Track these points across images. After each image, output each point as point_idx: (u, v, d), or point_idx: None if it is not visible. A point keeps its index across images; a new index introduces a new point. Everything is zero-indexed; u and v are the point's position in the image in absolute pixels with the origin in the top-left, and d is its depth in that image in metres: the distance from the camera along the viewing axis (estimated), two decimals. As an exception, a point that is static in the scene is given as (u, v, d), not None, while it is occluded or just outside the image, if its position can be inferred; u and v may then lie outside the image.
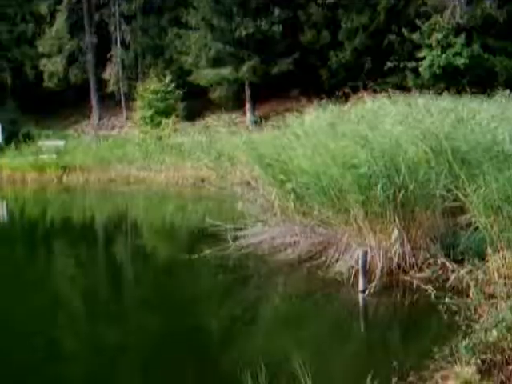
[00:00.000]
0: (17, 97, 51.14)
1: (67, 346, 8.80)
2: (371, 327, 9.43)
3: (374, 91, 17.90)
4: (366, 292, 9.88)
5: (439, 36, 32.97)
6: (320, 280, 10.79)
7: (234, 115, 42.72)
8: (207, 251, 12.42)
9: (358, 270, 10.18)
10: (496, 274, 9.14)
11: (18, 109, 49.20)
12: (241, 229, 13.38)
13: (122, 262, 14.95)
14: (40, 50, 49.36)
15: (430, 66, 33.06)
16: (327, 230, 11.77)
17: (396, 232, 10.52)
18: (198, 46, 41.56)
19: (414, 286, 9.89)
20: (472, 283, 8.43)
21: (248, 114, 42.20)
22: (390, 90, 16.23)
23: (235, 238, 13.02)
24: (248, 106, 42.42)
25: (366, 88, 23.72)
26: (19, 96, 51.20)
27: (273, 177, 12.89)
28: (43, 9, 49.43)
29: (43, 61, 49.23)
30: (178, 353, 8.25)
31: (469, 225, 10.82)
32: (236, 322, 9.62)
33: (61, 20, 48.96)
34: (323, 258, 11.42)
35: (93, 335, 9.11)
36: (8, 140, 39.59)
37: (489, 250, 9.59)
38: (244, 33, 39.40)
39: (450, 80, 31.64)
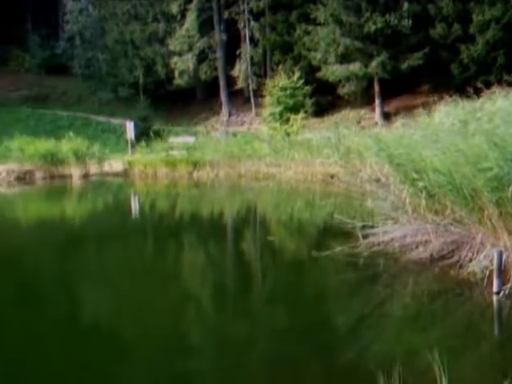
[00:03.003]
0: (148, 94, 52.45)
1: (195, 340, 8.94)
2: (506, 330, 9.18)
3: (510, 85, 17.41)
4: (501, 293, 9.64)
5: None
6: (452, 280, 10.61)
7: (362, 111, 42.51)
8: (336, 248, 12.42)
9: (492, 271, 9.94)
10: None
11: (150, 106, 50.44)
12: (371, 226, 13.29)
13: (251, 257, 15.08)
14: (171, 48, 50.45)
15: None
16: (460, 228, 11.54)
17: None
18: (326, 42, 41.46)
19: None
20: None
21: (377, 110, 41.84)
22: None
23: (365, 236, 12.96)
24: (377, 101, 42.05)
25: (500, 82, 23.09)
26: (151, 93, 52.51)
27: (404, 175, 12.75)
28: (174, 8, 50.45)
29: (174, 59, 50.30)
30: (305, 348, 8.26)
31: None
32: (365, 319, 9.56)
33: (191, 19, 49.86)
34: (455, 258, 11.21)
35: (221, 330, 9.23)
36: (140, 137, 40.55)
37: None
38: (373, 28, 39.07)
39: None
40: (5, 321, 9.83)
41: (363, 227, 13.25)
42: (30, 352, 8.34)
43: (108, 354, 8.17)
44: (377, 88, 42.08)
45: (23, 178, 35.48)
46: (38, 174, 35.82)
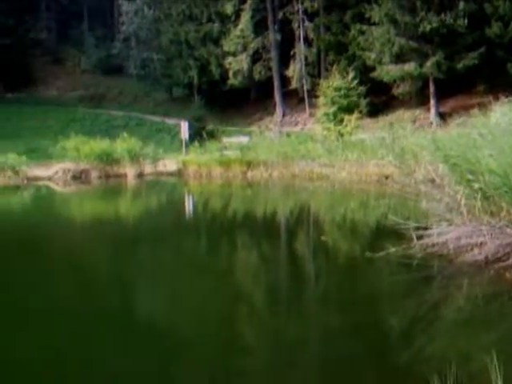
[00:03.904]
0: (203, 94, 52.80)
1: (247, 339, 8.97)
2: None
3: None
4: (557, 297, 9.51)
5: None
6: (507, 282, 10.48)
7: (417, 111, 42.23)
8: (390, 249, 12.37)
9: (548, 274, 9.82)
10: None
11: (204, 106, 50.78)
12: (425, 227, 13.18)
13: (304, 257, 15.07)
14: (225, 48, 50.76)
15: None
16: (516, 230, 11.41)
17: None
18: (381, 42, 41.31)
19: None
20: None
21: (432, 110, 41.54)
22: None
23: (419, 237, 12.86)
24: (432, 102, 41.75)
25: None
26: (205, 94, 52.83)
27: (459, 176, 12.63)
28: (228, 8, 50.72)
29: (228, 59, 50.59)
30: (358, 350, 8.24)
31: None
32: (419, 321, 9.49)
33: (245, 19, 50.09)
34: (511, 260, 11.09)
35: (274, 329, 9.25)
36: (194, 137, 40.83)
37: None
38: (428, 27, 38.81)
39: None
40: (63, 317, 9.99)
41: (417, 228, 13.13)
42: (85, 348, 8.46)
43: (162, 352, 8.24)
44: (432, 88, 41.78)
45: (79, 177, 36.03)
46: (94, 174, 36.33)
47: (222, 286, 11.87)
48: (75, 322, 9.66)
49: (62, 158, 37.55)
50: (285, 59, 50.41)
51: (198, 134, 41.23)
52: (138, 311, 10.48)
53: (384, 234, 15.53)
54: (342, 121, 35.46)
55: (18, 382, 7.41)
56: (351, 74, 38.17)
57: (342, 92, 37.00)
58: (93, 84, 63.59)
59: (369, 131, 35.16)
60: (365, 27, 43.05)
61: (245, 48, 50.56)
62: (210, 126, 45.89)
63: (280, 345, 8.52)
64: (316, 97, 40.01)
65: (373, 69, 42.57)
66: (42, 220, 23.22)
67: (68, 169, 36.78)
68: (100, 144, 37.35)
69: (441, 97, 42.09)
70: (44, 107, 58.22)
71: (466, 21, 38.58)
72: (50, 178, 36.78)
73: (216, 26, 52.89)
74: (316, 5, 48.17)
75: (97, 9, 70.92)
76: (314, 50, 49.67)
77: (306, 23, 48.99)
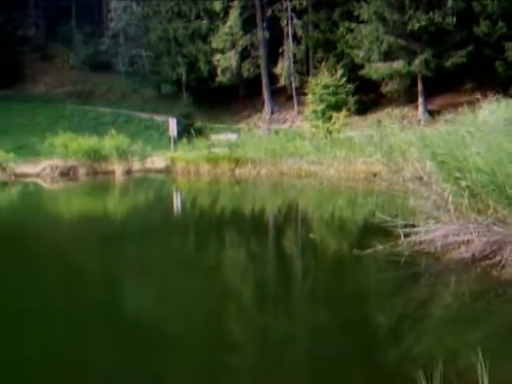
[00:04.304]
0: (191, 91, 52.77)
1: (235, 336, 8.97)
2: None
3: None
4: (544, 294, 9.55)
5: None
6: (494, 280, 10.51)
7: (406, 109, 42.31)
8: (378, 247, 12.39)
9: (535, 271, 9.86)
10: None
11: (193, 103, 50.77)
12: (412, 225, 13.20)
13: (292, 255, 15.09)
14: (214, 45, 50.78)
15: None
16: (503, 228, 11.43)
17: None
18: (369, 40, 41.38)
19: None
20: None
21: (420, 108, 41.64)
22: None
23: (407, 235, 12.89)
24: (420, 99, 41.86)
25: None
26: (193, 91, 52.81)
27: (447, 173, 12.66)
28: (217, 5, 50.71)
29: (217, 56, 50.58)
30: (345, 347, 8.25)
31: None
32: (406, 319, 9.51)
33: (234, 16, 50.10)
34: (498, 258, 11.10)
35: (261, 326, 9.26)
36: (182, 133, 40.81)
37: None
38: (417, 25, 38.90)
39: None
40: (51, 315, 9.97)
41: (405, 226, 13.15)
42: (74, 346, 8.44)
43: (150, 349, 8.23)
44: (420, 86, 41.88)
45: (67, 174, 35.94)
46: (82, 170, 36.26)
47: (209, 282, 11.87)
48: (63, 320, 9.64)
49: (50, 155, 37.45)
50: (273, 57, 50.40)
51: (187, 131, 41.19)
52: (125, 308, 10.47)
53: (372, 231, 15.56)
54: (330, 118, 35.49)
55: (14, 381, 7.39)
56: (340, 72, 38.19)
57: (331, 90, 37.02)
58: (81, 80, 63.42)
59: (357, 129, 35.23)
60: (353, 25, 43.08)
61: (233, 45, 50.54)
62: (198, 123, 45.86)
63: (268, 342, 8.52)
64: (304, 94, 40.04)
65: (361, 67, 42.62)
66: (30, 216, 23.15)
67: (56, 165, 36.68)
68: (88, 141, 37.26)
69: (429, 95, 42.18)
70: (32, 104, 58.03)
71: (454, 19, 38.64)
72: (37, 175, 36.67)
73: (204, 23, 52.85)
74: (304, 2, 48.17)
75: (85, 5, 70.71)
76: (303, 47, 49.69)
77: (295, 21, 48.99)
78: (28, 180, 36.10)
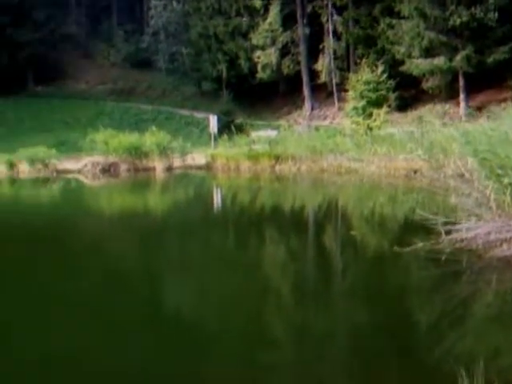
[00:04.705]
0: (231, 88, 52.84)
1: (276, 332, 8.98)
2: None
3: None
4: None
5: None
6: (538, 278, 10.44)
7: (447, 106, 41.97)
8: (419, 244, 12.32)
9: None
10: None
11: (233, 100, 50.83)
12: (454, 222, 13.10)
13: (332, 251, 15.06)
14: (254, 42, 50.75)
15: None
16: (546, 226, 11.32)
17: None
18: (410, 36, 41.09)
19: None
20: None
21: (462, 104, 41.27)
22: None
23: (448, 232, 12.79)
24: (462, 96, 41.47)
25: None
26: (234, 87, 52.87)
27: (489, 170, 12.54)
28: (257, 2, 50.68)
29: (257, 53, 50.56)
30: (385, 345, 8.22)
31: None
32: (447, 316, 9.44)
33: (274, 13, 50.05)
34: (541, 255, 11.02)
35: (300, 323, 9.25)
36: (222, 130, 40.89)
37: None
38: (458, 21, 38.54)
39: None
40: (91, 308, 10.07)
41: (446, 223, 13.05)
42: (113, 339, 8.53)
43: (190, 345, 8.28)
44: (461, 82, 41.50)
45: (108, 170, 36.25)
46: (123, 167, 36.53)
47: (249, 279, 11.90)
48: (105, 315, 9.74)
49: (91, 151, 37.77)
50: (313, 53, 50.30)
51: (227, 128, 41.29)
52: (165, 304, 10.53)
53: (412, 228, 15.46)
54: (370, 115, 35.30)
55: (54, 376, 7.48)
56: (380, 68, 37.95)
57: (371, 86, 36.80)
58: (122, 78, 63.86)
59: (398, 125, 35.00)
60: (394, 21, 42.85)
61: (273, 42, 50.52)
62: (238, 120, 45.93)
63: (308, 339, 8.52)
64: (345, 91, 39.88)
65: (402, 63, 42.38)
66: (72, 213, 23.40)
67: (97, 162, 37.01)
68: (129, 137, 37.52)
69: (470, 91, 41.81)
70: (73, 101, 58.58)
71: (496, 14, 38.25)
72: (79, 171, 37.04)
73: (245, 19, 52.90)
74: (345, -2, 48.04)
75: (126, 3, 71.17)
76: (343, 43, 49.53)
77: (335, 17, 48.84)
78: (70, 176, 36.48)
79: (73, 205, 26.25)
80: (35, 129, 50.97)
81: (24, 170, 38.11)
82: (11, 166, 37.85)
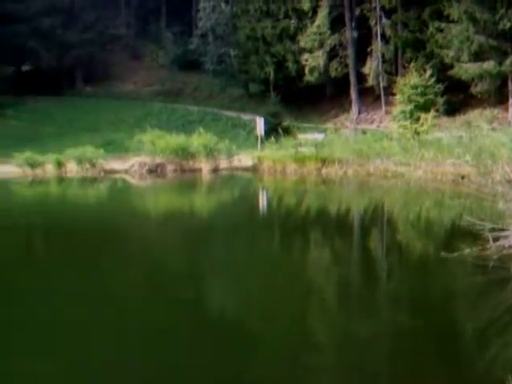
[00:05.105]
0: (279, 91, 52.84)
1: (319, 336, 8.99)
2: None
3: None
4: None
5: None
6: None
7: (495, 110, 41.49)
8: (465, 250, 12.23)
9: None
10: None
11: (280, 102, 50.79)
12: (501, 229, 12.99)
13: (377, 256, 15.02)
14: (302, 44, 50.61)
15: None
16: None
17: None
18: (459, 40, 40.72)
19: None
20: None
21: (511, 109, 40.77)
22: None
23: (495, 238, 12.68)
24: (511, 101, 40.97)
25: None
26: (281, 90, 52.86)
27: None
28: (306, 4, 50.53)
29: (305, 56, 50.41)
30: (429, 351, 8.18)
31: None
32: (493, 323, 9.38)
33: (322, 15, 49.90)
34: None
35: (344, 326, 9.26)
36: (269, 132, 40.89)
37: None
38: (508, 25, 38.18)
39: None
40: (135, 307, 10.19)
41: (493, 229, 12.94)
42: (157, 341, 8.62)
43: (234, 346, 8.33)
44: (511, 87, 41.03)
45: (155, 171, 36.46)
46: (169, 167, 36.73)
47: (294, 281, 11.93)
48: (151, 313, 9.85)
49: (138, 152, 38.06)
50: (361, 56, 50.07)
51: (274, 130, 41.28)
52: (211, 305, 10.61)
53: (459, 234, 15.35)
54: (418, 119, 35.04)
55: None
56: (428, 72, 37.65)
57: (419, 90, 36.52)
58: (169, 79, 64.12)
59: (445, 130, 34.71)
60: (443, 24, 42.52)
61: (321, 44, 50.38)
62: (285, 123, 45.91)
63: (351, 342, 8.53)
64: (392, 94, 39.65)
65: (451, 67, 42.03)
66: (120, 213, 23.64)
67: (144, 162, 37.26)
68: (176, 138, 37.73)
69: (520, 96, 41.38)
70: (121, 101, 59.05)
71: (547, 18, 37.85)
72: (126, 171, 37.34)
73: (293, 22, 52.84)
74: (394, 1, 47.71)
75: (175, 5, 71.45)
76: (391, 47, 49.22)
77: (384, 20, 48.57)
78: (116, 176, 36.81)
79: (120, 205, 26.51)
80: (83, 129, 51.50)
81: (72, 169, 38.51)
82: (59, 165, 38.27)
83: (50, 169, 38.23)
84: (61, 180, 36.99)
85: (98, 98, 60.01)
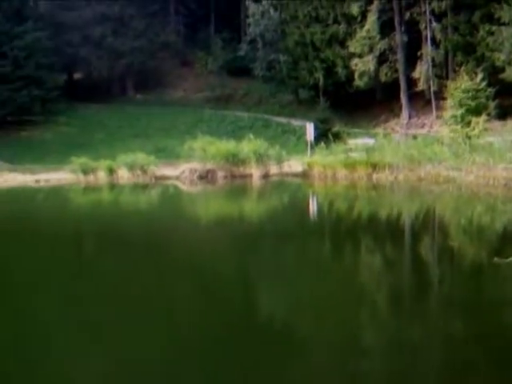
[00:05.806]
0: (328, 96, 52.81)
1: (369, 341, 9.01)
2: None
3: None
4: None
5: None
6: None
7: (549, 114, 40.95)
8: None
9: None
10: None
11: (329, 108, 50.76)
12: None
13: (429, 261, 14.95)
14: (351, 49, 50.54)
15: None
16: None
17: None
18: (511, 43, 40.32)
19: None
20: None
21: None
22: None
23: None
24: None
25: None
26: (330, 95, 52.84)
27: None
28: (355, 9, 50.50)
29: (354, 60, 50.33)
30: (479, 357, 8.13)
31: None
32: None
33: (371, 20, 49.76)
34: None
35: (394, 332, 9.25)
36: (319, 138, 40.89)
37: None
38: (561, 27, 37.58)
39: None
40: (187, 310, 10.34)
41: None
42: (207, 343, 8.74)
43: (281, 352, 8.40)
44: None
45: (205, 177, 36.74)
46: (220, 174, 36.96)
47: (344, 287, 11.96)
48: (201, 316, 9.98)
49: (189, 158, 38.35)
50: (411, 60, 49.82)
51: (324, 136, 41.26)
52: (260, 310, 10.70)
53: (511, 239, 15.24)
54: (469, 123, 34.72)
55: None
56: (479, 76, 37.27)
57: (470, 94, 36.16)
58: (219, 85, 64.45)
59: (497, 134, 34.34)
60: (494, 27, 42.16)
61: (371, 49, 50.25)
62: (335, 128, 45.83)
63: (401, 349, 8.53)
64: (443, 99, 39.34)
65: (502, 70, 41.64)
66: (172, 219, 23.92)
67: (195, 169, 37.55)
68: (226, 144, 37.96)
69: None
70: (171, 108, 59.58)
71: None
72: (177, 178, 37.67)
73: (342, 27, 52.78)
74: (444, 5, 47.40)
75: (224, 12, 71.86)
76: (442, 51, 48.90)
77: (434, 24, 48.28)
78: (168, 182, 37.16)
79: (172, 211, 26.81)
80: (134, 135, 52.12)
81: (123, 175, 39.00)
82: (111, 171, 38.76)
83: (101, 175, 38.73)
84: (112, 186, 37.46)
85: (149, 105, 60.65)
